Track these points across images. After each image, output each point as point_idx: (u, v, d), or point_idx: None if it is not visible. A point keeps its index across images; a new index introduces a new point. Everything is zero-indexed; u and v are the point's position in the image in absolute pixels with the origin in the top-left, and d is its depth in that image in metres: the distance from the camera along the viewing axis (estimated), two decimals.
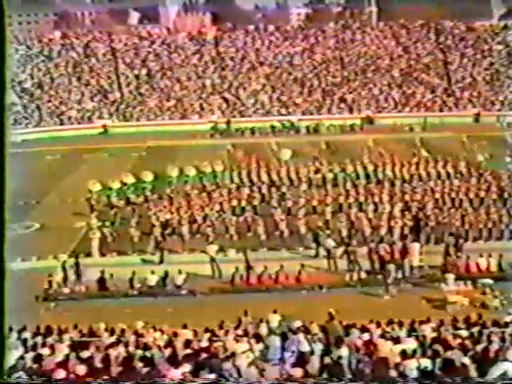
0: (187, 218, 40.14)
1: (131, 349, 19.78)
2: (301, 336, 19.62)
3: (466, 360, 14.37)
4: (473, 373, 12.51)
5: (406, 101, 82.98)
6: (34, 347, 20.09)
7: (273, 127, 75.73)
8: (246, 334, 23.56)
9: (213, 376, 12.81)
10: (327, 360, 15.68)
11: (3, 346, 7.65)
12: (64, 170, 57.59)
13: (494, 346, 17.41)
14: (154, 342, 21.15)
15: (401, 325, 24.32)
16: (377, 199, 42.35)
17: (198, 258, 36.05)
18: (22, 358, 16.17)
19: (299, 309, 28.76)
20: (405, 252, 34.63)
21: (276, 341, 18.75)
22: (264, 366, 14.08)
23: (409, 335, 21.54)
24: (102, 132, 78.27)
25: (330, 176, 48.15)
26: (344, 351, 16.81)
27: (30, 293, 30.84)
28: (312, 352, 17.35)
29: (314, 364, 14.45)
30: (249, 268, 33.94)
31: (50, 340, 21.77)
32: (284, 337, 19.71)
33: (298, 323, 23.13)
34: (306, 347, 18.38)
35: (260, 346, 18.34)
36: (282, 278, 33.25)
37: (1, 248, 7.62)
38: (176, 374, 13.54)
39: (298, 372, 13.58)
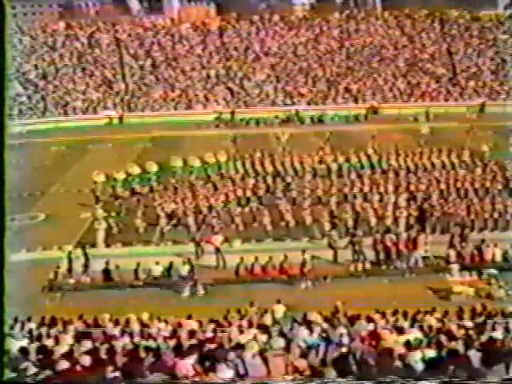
0: (192, 208, 40.17)
1: (136, 339, 19.81)
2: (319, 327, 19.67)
3: (471, 351, 14.37)
4: (477, 364, 12.53)
5: (411, 91, 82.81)
6: (39, 338, 20.14)
7: (277, 117, 75.54)
8: (250, 324, 23.66)
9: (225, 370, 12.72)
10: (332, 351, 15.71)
11: (3, 340, 7.66)
12: (69, 161, 57.63)
13: (499, 337, 17.42)
14: (159, 333, 21.18)
15: (405, 315, 24.39)
16: (382, 189, 42.33)
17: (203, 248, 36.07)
18: (27, 348, 16.19)
19: (304, 299, 28.82)
20: (410, 242, 34.69)
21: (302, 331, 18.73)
22: (268, 357, 14.06)
23: (413, 325, 21.58)
24: (106, 123, 78.18)
25: (334, 166, 48.10)
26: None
27: (35, 283, 30.93)
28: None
29: (320, 355, 14.47)
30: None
31: (54, 331, 21.83)
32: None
33: (315, 316, 23.22)
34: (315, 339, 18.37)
35: (264, 336, 18.34)
36: (286, 268, 33.26)
37: (1, 240, 7.60)
38: (185, 365, 13.41)
39: (303, 363, 13.58)
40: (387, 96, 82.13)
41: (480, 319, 23.73)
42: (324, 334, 18.56)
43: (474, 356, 13.24)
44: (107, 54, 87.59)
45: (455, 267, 32.96)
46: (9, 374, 8.05)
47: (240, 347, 15.24)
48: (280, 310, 26.99)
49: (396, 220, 37.99)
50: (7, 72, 7.88)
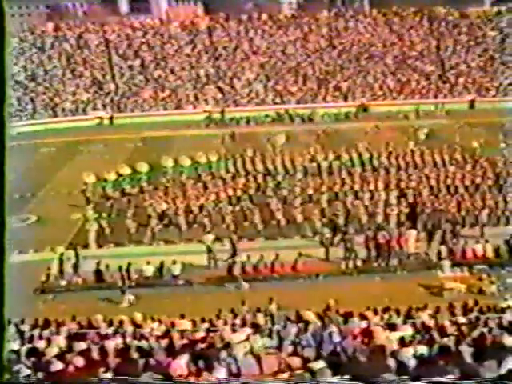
0: (183, 208, 40.16)
1: (129, 340, 19.78)
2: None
3: (463, 347, 14.41)
4: (469, 359, 12.56)
5: (401, 88, 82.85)
6: (32, 340, 20.10)
7: (267, 116, 75.52)
8: (243, 323, 23.66)
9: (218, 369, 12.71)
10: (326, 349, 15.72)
11: (2, 341, 7.65)
12: (59, 162, 57.50)
13: (491, 332, 17.44)
14: (151, 333, 21.16)
15: (398, 312, 24.43)
16: (372, 187, 42.37)
17: (194, 248, 36.06)
18: (19, 350, 16.18)
19: (296, 298, 28.83)
20: (401, 239, 34.75)
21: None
22: (261, 356, 14.06)
23: (405, 322, 21.60)
24: (97, 123, 77.96)
25: (325, 164, 48.13)
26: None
27: (27, 285, 30.87)
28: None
29: (312, 353, 14.47)
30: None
31: (47, 332, 21.79)
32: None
33: (310, 314, 23.27)
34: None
35: (257, 335, 18.35)
36: (277, 267, 33.27)
37: (1, 241, 7.61)
38: (179, 365, 13.39)
39: (296, 361, 13.59)
40: (377, 94, 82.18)
41: (472, 315, 23.78)
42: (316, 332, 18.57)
43: (466, 352, 13.27)
44: (96, 55, 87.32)
45: (447, 263, 33.03)
46: (5, 376, 8.05)
47: (232, 346, 15.23)
48: (274, 308, 27.02)
49: (387, 217, 38.06)
50: (7, 73, 7.84)
